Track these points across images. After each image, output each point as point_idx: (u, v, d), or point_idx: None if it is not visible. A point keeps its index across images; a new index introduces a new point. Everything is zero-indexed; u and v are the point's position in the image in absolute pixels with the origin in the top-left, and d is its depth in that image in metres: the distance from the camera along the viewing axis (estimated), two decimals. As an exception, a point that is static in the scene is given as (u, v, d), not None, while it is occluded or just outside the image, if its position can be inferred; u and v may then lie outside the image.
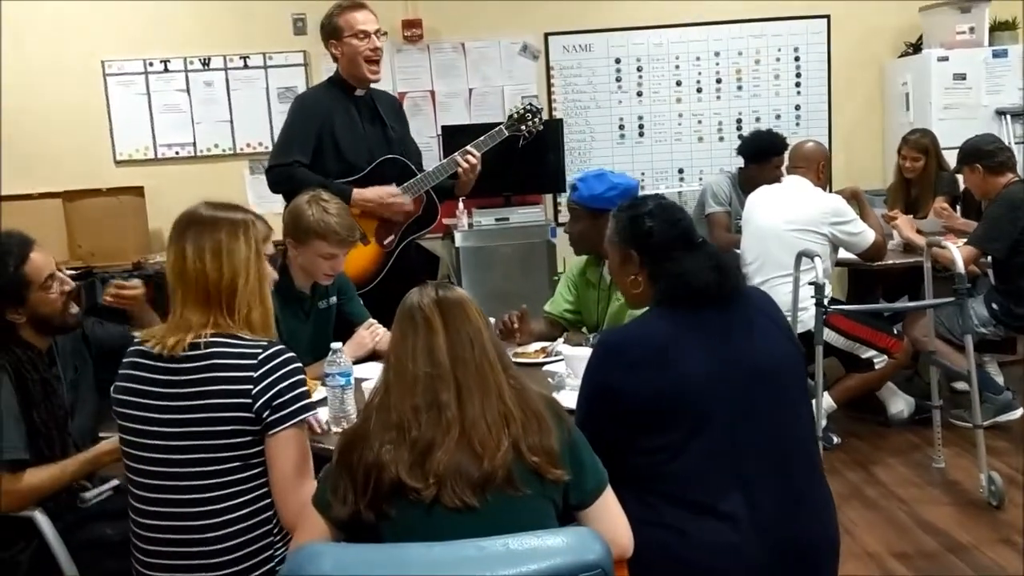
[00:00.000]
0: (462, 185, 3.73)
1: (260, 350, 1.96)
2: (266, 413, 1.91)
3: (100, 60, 5.76)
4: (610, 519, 1.79)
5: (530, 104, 3.81)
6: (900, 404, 4.48)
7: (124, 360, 2.06)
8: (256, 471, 1.95)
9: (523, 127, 3.75)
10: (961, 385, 4.72)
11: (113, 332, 2.68)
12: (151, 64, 5.81)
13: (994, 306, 4.25)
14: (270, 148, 5.85)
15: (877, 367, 4.22)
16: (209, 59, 5.85)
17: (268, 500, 1.97)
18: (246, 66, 5.88)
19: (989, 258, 4.32)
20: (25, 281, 2.36)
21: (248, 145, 5.94)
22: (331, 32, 3.67)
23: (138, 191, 5.70)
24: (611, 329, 2.19)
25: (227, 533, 1.94)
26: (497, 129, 3.76)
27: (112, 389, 2.06)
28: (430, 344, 1.72)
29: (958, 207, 4.98)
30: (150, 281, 2.84)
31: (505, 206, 5.64)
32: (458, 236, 5.50)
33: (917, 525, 3.44)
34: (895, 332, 4.31)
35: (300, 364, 2.02)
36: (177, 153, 5.91)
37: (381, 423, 1.69)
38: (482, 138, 3.72)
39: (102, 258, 5.48)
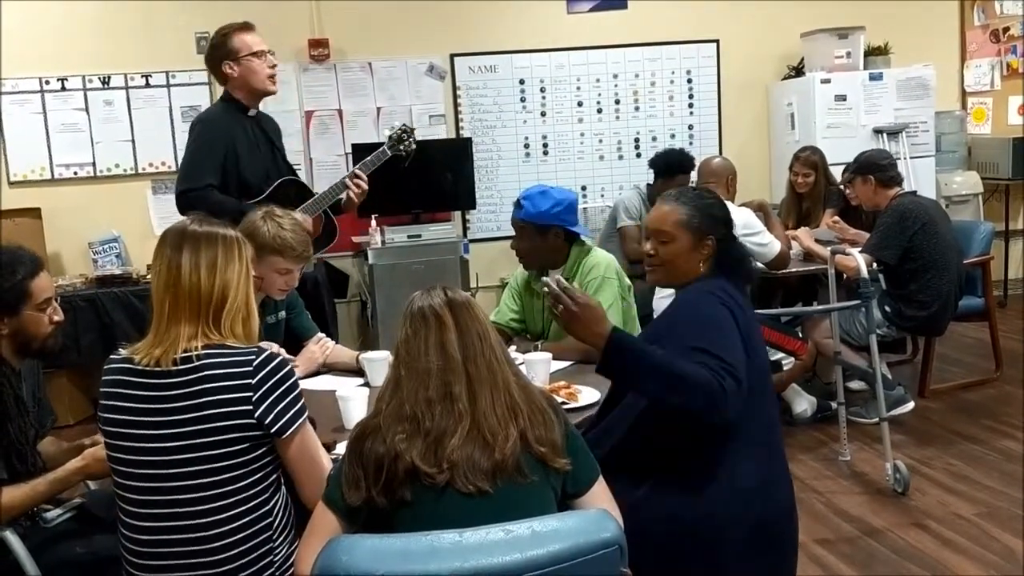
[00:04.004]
0: (350, 204, 3.82)
1: (253, 356, 1.99)
2: (270, 419, 1.95)
3: (-7, 78, 5.58)
4: (603, 506, 1.89)
5: (404, 125, 3.94)
6: (804, 404, 4.75)
7: (106, 377, 2.05)
8: (255, 477, 1.98)
9: (401, 147, 3.88)
10: (855, 384, 5.05)
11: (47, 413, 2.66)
12: (47, 82, 5.65)
13: (887, 308, 4.56)
14: (174, 168, 5.81)
15: (785, 369, 4.47)
16: (109, 77, 5.72)
17: (267, 506, 2.00)
18: (148, 84, 5.78)
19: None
20: (27, 294, 2.33)
21: (151, 165, 5.83)
22: (226, 53, 3.66)
23: (35, 213, 5.52)
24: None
25: (229, 543, 1.96)
26: (381, 150, 3.88)
27: (99, 407, 2.05)
28: (442, 339, 1.82)
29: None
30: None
31: (415, 223, 5.73)
32: (371, 254, 5.55)
33: (834, 514, 3.67)
34: (799, 335, 4.57)
35: (291, 366, 2.07)
36: (75, 173, 5.75)
37: (393, 415, 1.77)
38: (369, 158, 3.84)
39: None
